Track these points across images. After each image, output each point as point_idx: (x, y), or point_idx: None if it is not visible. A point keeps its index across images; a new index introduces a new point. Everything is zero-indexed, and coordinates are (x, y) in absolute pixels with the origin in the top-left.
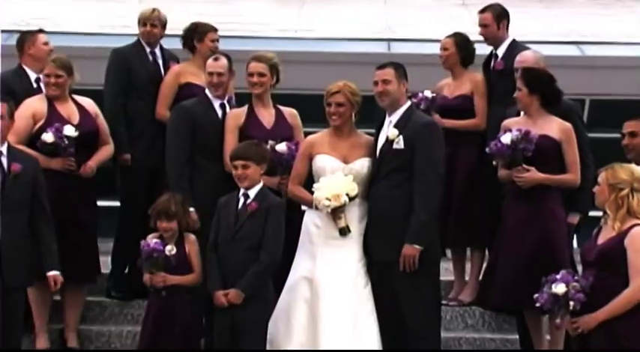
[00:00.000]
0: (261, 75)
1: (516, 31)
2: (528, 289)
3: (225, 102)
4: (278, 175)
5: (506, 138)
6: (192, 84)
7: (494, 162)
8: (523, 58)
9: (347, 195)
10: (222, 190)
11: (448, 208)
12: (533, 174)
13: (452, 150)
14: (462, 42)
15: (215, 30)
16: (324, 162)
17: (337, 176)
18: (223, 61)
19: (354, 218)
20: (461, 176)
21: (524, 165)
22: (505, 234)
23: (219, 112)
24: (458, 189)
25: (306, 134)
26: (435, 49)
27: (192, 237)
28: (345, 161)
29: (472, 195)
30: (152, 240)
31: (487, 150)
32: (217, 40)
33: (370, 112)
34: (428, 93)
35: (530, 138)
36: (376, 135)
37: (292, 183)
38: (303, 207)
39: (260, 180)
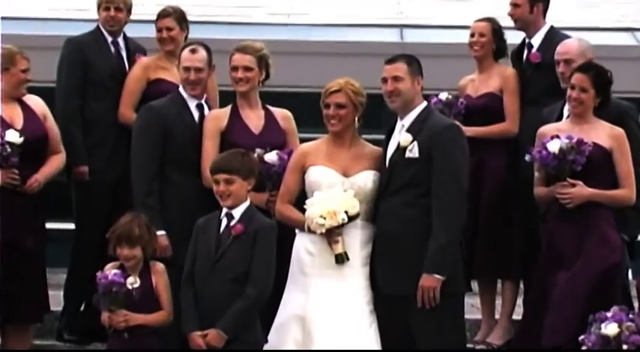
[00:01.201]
0: (247, 69)
1: (553, 16)
2: (579, 328)
3: (204, 102)
4: (267, 191)
5: (553, 146)
6: (163, 80)
7: (536, 173)
8: (566, 48)
9: (346, 212)
10: (200, 210)
11: (474, 230)
12: (581, 190)
13: (477, 160)
14: (498, 29)
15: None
16: (319, 175)
17: (335, 191)
18: (201, 53)
19: (355, 243)
20: (489, 191)
21: (570, 180)
22: (549, 262)
23: (196, 114)
24: (485, 207)
25: (302, 141)
26: (456, 37)
27: (160, 266)
28: (346, 174)
29: (503, 215)
30: (111, 270)
31: (527, 158)
32: (168, 29)
33: (377, 116)
34: (443, 96)
35: (583, 150)
36: (385, 143)
37: (281, 200)
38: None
39: (247, 197)
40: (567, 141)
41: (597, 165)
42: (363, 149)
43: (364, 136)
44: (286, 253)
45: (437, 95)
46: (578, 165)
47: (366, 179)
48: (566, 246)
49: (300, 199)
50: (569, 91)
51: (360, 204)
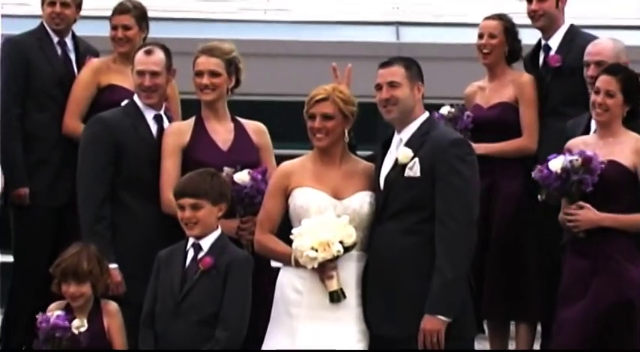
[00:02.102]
0: (213, 74)
1: (572, 12)
2: None
3: (163, 113)
4: (238, 217)
5: (555, 164)
6: (116, 86)
7: (539, 197)
8: (599, 48)
9: (341, 243)
10: (160, 239)
11: (484, 264)
12: (588, 213)
13: (489, 183)
14: (512, 27)
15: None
16: (307, 198)
17: (327, 217)
18: (158, 54)
19: (351, 278)
20: (502, 218)
21: (580, 203)
22: (560, 299)
23: (154, 128)
24: (498, 237)
25: (280, 159)
26: (462, 36)
27: (113, 306)
28: (337, 196)
29: (518, 246)
30: (54, 312)
31: (533, 175)
32: (125, 28)
33: (370, 128)
34: (445, 111)
35: (593, 168)
36: (379, 160)
37: (260, 229)
38: (275, 264)
39: (217, 225)
40: (573, 158)
41: (615, 186)
42: (355, 166)
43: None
44: (262, 289)
45: (437, 111)
46: (587, 186)
47: (362, 201)
48: (577, 282)
49: (281, 227)
50: (593, 96)
51: (355, 231)
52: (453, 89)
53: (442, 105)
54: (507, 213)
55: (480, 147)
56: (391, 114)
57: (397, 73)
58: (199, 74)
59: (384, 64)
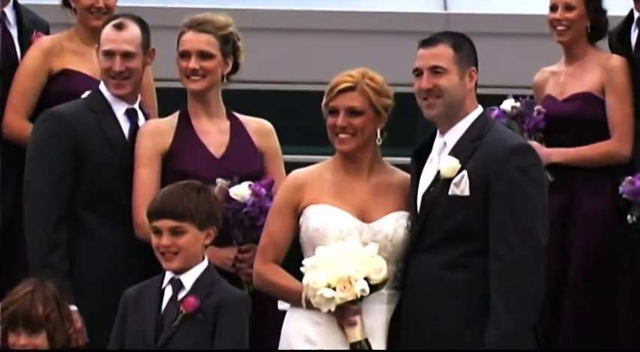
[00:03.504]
0: (204, 56)
1: None
2: None
3: (137, 107)
4: (235, 244)
5: None
6: (74, 72)
7: (629, 218)
8: None
9: (367, 279)
10: (130, 272)
11: (560, 307)
12: None
13: (567, 200)
14: None
15: None
16: (324, 219)
17: (349, 244)
18: (132, 30)
19: (380, 324)
20: (583, 246)
21: None
22: None
23: (126, 127)
24: (578, 272)
25: (290, 168)
26: (530, 6)
27: None
28: (364, 218)
29: (604, 282)
30: None
31: (620, 189)
32: None
33: (409, 127)
34: (507, 105)
35: None
36: (416, 171)
37: (262, 258)
38: (282, 305)
39: (203, 255)
40: None
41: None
42: (389, 178)
43: (388, 159)
44: (263, 341)
45: (496, 106)
46: None
47: (397, 225)
48: None
49: (291, 256)
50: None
51: (386, 264)
52: (518, 76)
53: (503, 97)
54: (591, 239)
55: (554, 154)
56: (433, 110)
57: (443, 54)
58: (185, 55)
59: (426, 43)
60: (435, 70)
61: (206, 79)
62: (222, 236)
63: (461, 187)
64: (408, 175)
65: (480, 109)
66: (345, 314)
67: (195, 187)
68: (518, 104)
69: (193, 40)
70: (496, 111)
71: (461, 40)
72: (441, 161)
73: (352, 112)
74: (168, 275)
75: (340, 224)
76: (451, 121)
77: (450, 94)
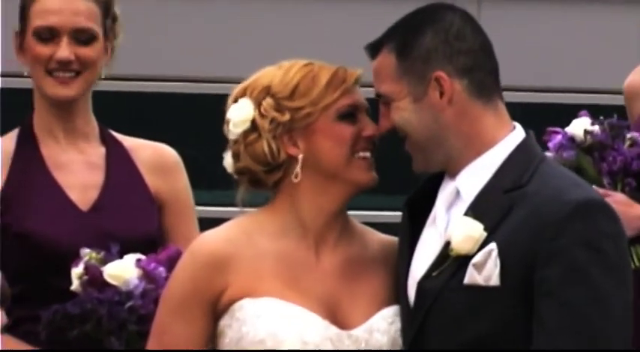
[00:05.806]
0: (83, 37)
1: None
2: None
3: None
4: None
5: None
6: None
7: None
8: None
9: None
10: None
11: None
12: None
13: None
14: None
15: None
16: (276, 324)
17: None
18: None
19: None
20: None
21: None
22: None
23: None
24: None
25: (206, 225)
26: None
27: None
28: (339, 318)
29: None
30: None
31: None
32: None
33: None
34: (579, 128)
35: None
36: (409, 237)
37: None
38: None
39: None
40: None
41: None
42: (366, 245)
43: (353, 214)
44: None
45: (559, 129)
46: None
47: (393, 330)
48: None
49: None
50: None
51: None
52: (598, 76)
53: (573, 114)
54: None
55: None
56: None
57: (384, 69)
58: (46, 35)
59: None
60: (383, 101)
61: (82, 77)
62: (92, 345)
63: (486, 272)
64: (394, 238)
65: (519, 134)
66: None
67: None
68: (597, 127)
69: (65, 8)
70: (559, 138)
71: (417, 29)
72: (452, 224)
73: None
74: None
75: (302, 332)
76: (469, 154)
77: (412, 134)
